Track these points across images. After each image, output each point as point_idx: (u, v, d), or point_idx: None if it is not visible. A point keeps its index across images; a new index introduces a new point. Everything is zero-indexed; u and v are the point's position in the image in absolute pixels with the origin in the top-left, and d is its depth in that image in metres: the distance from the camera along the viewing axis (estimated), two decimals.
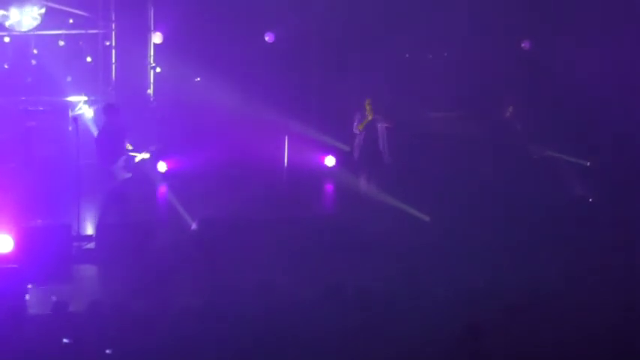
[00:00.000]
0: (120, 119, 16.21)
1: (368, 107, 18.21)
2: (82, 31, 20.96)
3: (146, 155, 16.23)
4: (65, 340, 10.46)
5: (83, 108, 19.60)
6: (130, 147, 16.10)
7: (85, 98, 19.77)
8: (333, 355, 10.70)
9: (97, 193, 16.78)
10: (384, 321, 11.16)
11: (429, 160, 19.57)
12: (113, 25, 20.72)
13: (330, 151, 20.44)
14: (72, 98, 19.86)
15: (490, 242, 15.16)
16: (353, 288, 12.14)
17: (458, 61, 21.94)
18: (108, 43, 20.93)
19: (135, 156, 16.13)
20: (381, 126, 18.28)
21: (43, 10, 19.73)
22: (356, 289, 12.10)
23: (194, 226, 15.94)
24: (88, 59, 21.39)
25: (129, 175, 16.13)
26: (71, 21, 20.79)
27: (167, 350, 10.47)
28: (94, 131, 19.02)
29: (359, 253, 14.81)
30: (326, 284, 12.15)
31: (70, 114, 19.28)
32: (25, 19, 19.75)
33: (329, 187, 19.84)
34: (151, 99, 20.73)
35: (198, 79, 21.39)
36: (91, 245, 15.71)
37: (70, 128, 18.82)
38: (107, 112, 16.39)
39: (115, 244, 15.07)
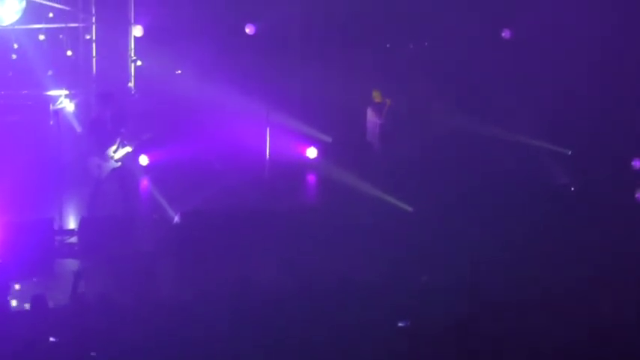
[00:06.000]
0: (112, 109, 16.24)
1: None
2: (63, 25, 20.91)
3: (129, 149, 16.20)
4: (52, 339, 10.48)
5: (64, 102, 19.51)
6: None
7: (66, 92, 19.67)
8: (315, 349, 10.74)
9: (80, 187, 16.84)
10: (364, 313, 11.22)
11: (411, 149, 19.60)
12: (93, 19, 20.64)
13: (312, 142, 20.45)
14: (53, 92, 19.79)
15: (471, 233, 15.20)
16: (334, 280, 12.19)
17: (439, 50, 21.97)
18: (88, 37, 20.88)
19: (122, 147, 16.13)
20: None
21: (23, 4, 19.63)
22: (337, 281, 12.15)
23: (176, 218, 15.94)
24: (69, 53, 21.34)
25: (118, 164, 16.14)
26: (51, 15, 20.75)
27: (149, 344, 10.48)
28: (77, 126, 19.04)
29: (341, 244, 14.82)
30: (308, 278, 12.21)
31: (51, 108, 19.21)
32: (6, 13, 19.63)
33: (311, 179, 19.87)
34: (132, 92, 20.68)
35: (179, 71, 21.36)
36: (73, 239, 15.69)
37: (51, 122, 18.75)
38: (98, 101, 16.46)
39: (97, 238, 15.09)
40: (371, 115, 19.35)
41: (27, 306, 12.27)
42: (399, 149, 19.28)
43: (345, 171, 18.54)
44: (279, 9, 21.30)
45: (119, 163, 16.15)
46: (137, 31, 20.59)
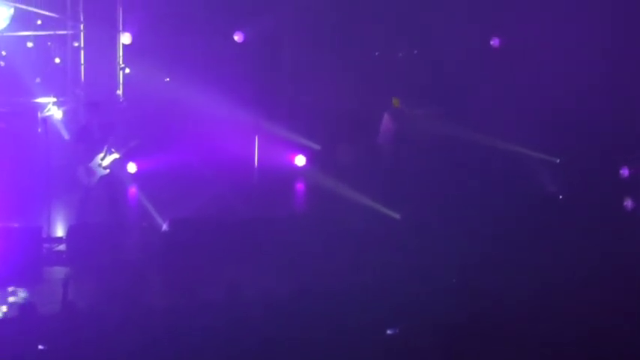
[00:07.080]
0: (100, 116, 16.24)
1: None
2: (51, 33, 20.88)
3: (116, 156, 16.18)
4: (40, 347, 10.45)
5: (52, 109, 19.47)
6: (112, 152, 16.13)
7: (54, 100, 19.64)
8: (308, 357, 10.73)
9: (68, 194, 16.80)
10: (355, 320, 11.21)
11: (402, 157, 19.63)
12: (82, 26, 20.62)
13: (300, 150, 20.46)
14: (41, 100, 19.75)
15: (463, 237, 15.21)
16: (326, 286, 12.20)
17: (428, 58, 22.00)
18: (76, 44, 20.85)
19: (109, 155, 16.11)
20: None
21: (11, 12, 19.60)
22: (330, 287, 12.16)
23: (165, 226, 15.91)
24: (57, 60, 21.30)
25: (106, 172, 16.11)
26: (39, 22, 20.71)
27: (139, 351, 10.46)
28: (65, 133, 19.00)
29: (330, 252, 14.81)
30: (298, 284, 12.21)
31: (39, 115, 19.18)
32: None
33: (300, 187, 19.87)
34: (121, 99, 20.65)
35: (168, 79, 21.35)
36: (62, 247, 15.65)
37: (39, 130, 18.73)
38: (87, 109, 16.47)
39: (85, 245, 15.05)
40: (387, 120, 19.57)
41: (15, 314, 12.22)
42: (398, 153, 19.41)
43: (336, 177, 18.55)
44: (267, 17, 21.31)
45: (107, 171, 16.13)
46: (125, 38, 20.58)
